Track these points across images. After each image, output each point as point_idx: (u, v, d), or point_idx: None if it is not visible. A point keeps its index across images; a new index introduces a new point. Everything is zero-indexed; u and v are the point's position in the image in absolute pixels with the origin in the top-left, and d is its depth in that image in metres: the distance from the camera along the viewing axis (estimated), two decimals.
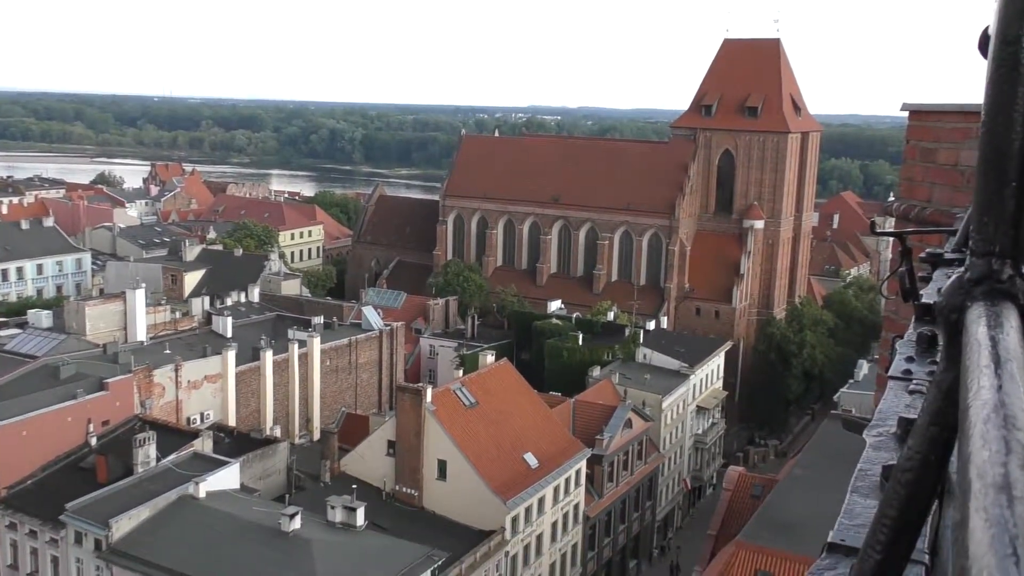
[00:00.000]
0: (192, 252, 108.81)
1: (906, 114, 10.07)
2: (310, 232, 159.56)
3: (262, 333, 74.71)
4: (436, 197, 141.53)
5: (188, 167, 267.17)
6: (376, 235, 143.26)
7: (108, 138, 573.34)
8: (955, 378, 1.41)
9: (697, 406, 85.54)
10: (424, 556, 45.67)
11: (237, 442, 57.60)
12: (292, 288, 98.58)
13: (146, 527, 45.37)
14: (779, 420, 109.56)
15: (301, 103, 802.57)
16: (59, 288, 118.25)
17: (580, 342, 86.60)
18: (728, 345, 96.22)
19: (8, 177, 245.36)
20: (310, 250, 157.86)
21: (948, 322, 1.55)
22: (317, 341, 73.15)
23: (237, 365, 67.14)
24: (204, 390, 65.32)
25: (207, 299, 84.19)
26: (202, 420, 64.05)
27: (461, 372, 71.61)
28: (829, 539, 1.75)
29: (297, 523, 44.29)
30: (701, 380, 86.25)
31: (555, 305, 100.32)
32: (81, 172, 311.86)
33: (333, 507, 47.35)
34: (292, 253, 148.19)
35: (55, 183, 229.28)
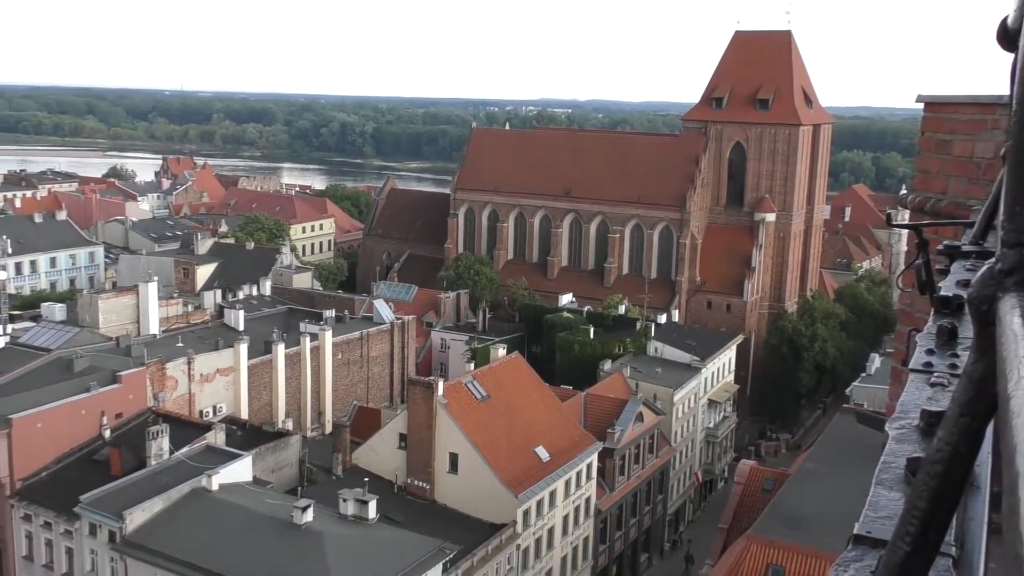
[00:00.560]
0: (204, 246, 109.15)
1: (920, 106, 10.03)
2: (321, 225, 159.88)
3: (274, 326, 74.92)
4: (447, 190, 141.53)
5: (200, 161, 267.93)
6: (387, 228, 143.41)
7: (120, 132, 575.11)
8: (986, 368, 1.41)
9: (708, 400, 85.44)
10: (436, 549, 45.81)
11: (249, 435, 57.84)
12: (304, 281, 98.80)
13: (160, 519, 45.63)
14: (790, 414, 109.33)
15: (312, 96, 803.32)
16: (72, 281, 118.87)
17: (591, 336, 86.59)
18: (739, 339, 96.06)
19: (21, 171, 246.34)
20: (321, 243, 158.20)
21: (979, 313, 1.55)
22: (329, 334, 73.32)
23: (249, 358, 67.41)
24: (216, 383, 65.60)
25: (219, 292, 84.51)
26: (214, 413, 64.35)
27: (472, 365, 71.76)
28: (855, 531, 1.74)
29: (309, 516, 44.45)
30: (712, 374, 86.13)
31: (566, 299, 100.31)
32: (93, 166, 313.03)
33: (345, 500, 47.51)
34: (303, 246, 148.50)
35: (68, 177, 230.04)
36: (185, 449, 50.94)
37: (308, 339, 71.95)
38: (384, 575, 42.16)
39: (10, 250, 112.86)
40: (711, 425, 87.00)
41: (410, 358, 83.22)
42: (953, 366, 2.28)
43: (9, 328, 66.15)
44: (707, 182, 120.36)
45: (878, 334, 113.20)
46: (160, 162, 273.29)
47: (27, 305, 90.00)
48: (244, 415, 65.32)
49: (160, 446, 50.28)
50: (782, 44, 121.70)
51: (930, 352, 2.42)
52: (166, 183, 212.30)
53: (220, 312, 77.81)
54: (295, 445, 57.46)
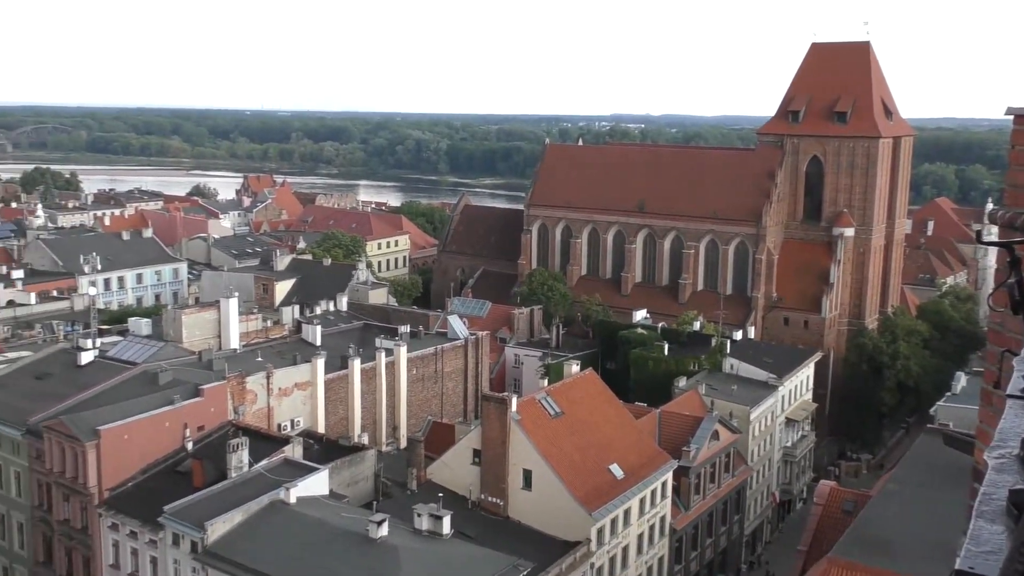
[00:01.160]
0: (283, 262, 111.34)
1: (1010, 118, 9.73)
2: (396, 242, 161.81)
3: (350, 342, 75.96)
4: (520, 206, 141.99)
5: (279, 179, 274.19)
6: (461, 244, 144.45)
7: (203, 151, 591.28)
8: None
9: (786, 418, 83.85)
10: (509, 566, 45.72)
11: (326, 449, 58.62)
12: (379, 297, 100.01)
13: (239, 530, 46.49)
14: (872, 433, 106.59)
15: (387, 114, 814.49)
16: (157, 297, 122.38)
17: (666, 352, 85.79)
18: (818, 356, 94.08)
19: (110, 190, 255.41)
20: (397, 260, 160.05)
21: None
22: (404, 350, 74.04)
23: (326, 373, 68.40)
24: (294, 397, 66.71)
25: (297, 308, 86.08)
26: (292, 427, 65.42)
27: (546, 381, 71.65)
28: (957, 566, 1.66)
29: (384, 530, 44.80)
30: (790, 391, 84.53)
31: (640, 314, 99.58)
32: (178, 184, 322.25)
33: (419, 515, 47.78)
34: (379, 262, 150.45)
35: (154, 195, 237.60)
36: (264, 462, 51.85)
37: (383, 354, 72.72)
38: None
39: (100, 267, 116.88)
40: (789, 444, 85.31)
41: (484, 374, 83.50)
42: None
43: (98, 342, 68.23)
44: (783, 197, 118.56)
45: (963, 352, 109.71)
46: (241, 180, 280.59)
47: (115, 320, 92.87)
48: (321, 429, 66.26)
49: (240, 459, 51.26)
50: (860, 55, 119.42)
51: None
52: (246, 201, 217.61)
53: (298, 327, 79.21)
54: (370, 459, 58.03)
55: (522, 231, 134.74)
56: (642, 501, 59.33)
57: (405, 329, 79.51)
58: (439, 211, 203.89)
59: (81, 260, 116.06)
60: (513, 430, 55.48)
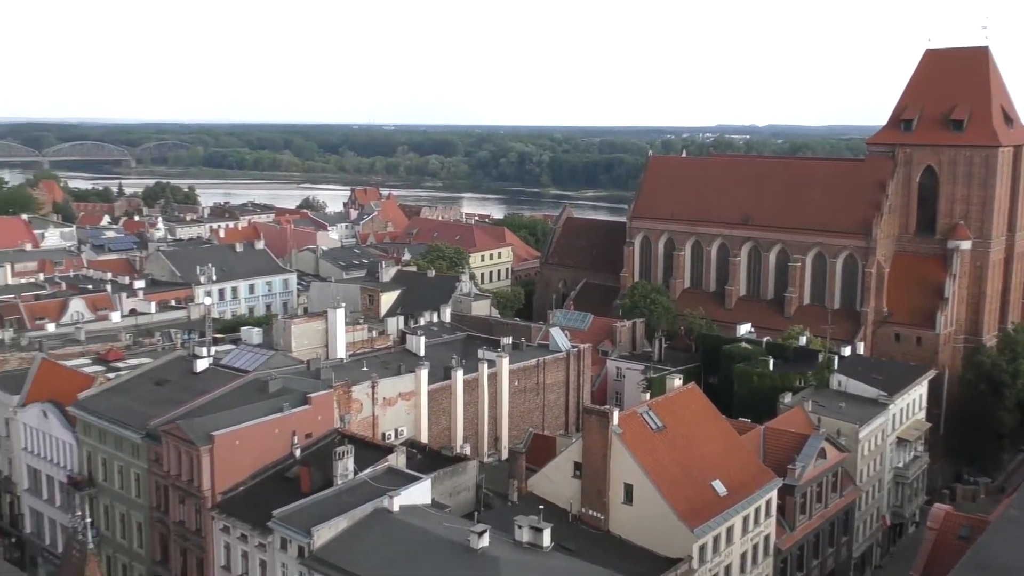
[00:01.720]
0: (388, 273, 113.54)
1: None
2: (499, 254, 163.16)
3: (453, 353, 76.93)
4: (623, 218, 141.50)
5: (385, 191, 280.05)
6: (563, 257, 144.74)
7: (313, 165, 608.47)
8: None
9: (897, 438, 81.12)
10: None
11: (428, 458, 59.46)
12: (482, 309, 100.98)
13: (344, 537, 47.53)
14: (990, 456, 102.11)
15: (491, 128, 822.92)
16: (268, 307, 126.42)
17: (771, 367, 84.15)
18: (931, 373, 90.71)
19: (225, 203, 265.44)
20: (499, 271, 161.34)
21: None
22: (506, 361, 74.58)
23: (429, 383, 69.41)
24: (398, 407, 67.90)
25: (402, 319, 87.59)
26: (396, 436, 66.58)
27: (648, 395, 71.14)
28: None
29: (485, 541, 45.17)
30: (901, 410, 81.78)
31: (744, 328, 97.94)
32: (288, 198, 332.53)
33: (520, 527, 47.99)
34: (482, 274, 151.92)
35: (265, 208, 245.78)
36: (368, 470, 52.90)
37: (486, 366, 73.39)
38: None
39: (215, 277, 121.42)
40: (900, 465, 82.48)
41: (585, 386, 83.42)
42: None
43: (212, 350, 70.82)
44: (894, 208, 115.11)
45: None
46: (348, 193, 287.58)
47: (228, 329, 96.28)
48: (424, 439, 67.25)
49: (345, 466, 52.44)
50: (978, 61, 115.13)
51: None
52: (354, 213, 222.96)
53: (402, 338, 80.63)
54: (472, 470, 58.59)
55: (624, 243, 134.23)
56: (745, 519, 58.23)
57: (507, 341, 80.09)
58: (541, 223, 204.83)
59: (197, 271, 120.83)
60: (614, 444, 55.25)
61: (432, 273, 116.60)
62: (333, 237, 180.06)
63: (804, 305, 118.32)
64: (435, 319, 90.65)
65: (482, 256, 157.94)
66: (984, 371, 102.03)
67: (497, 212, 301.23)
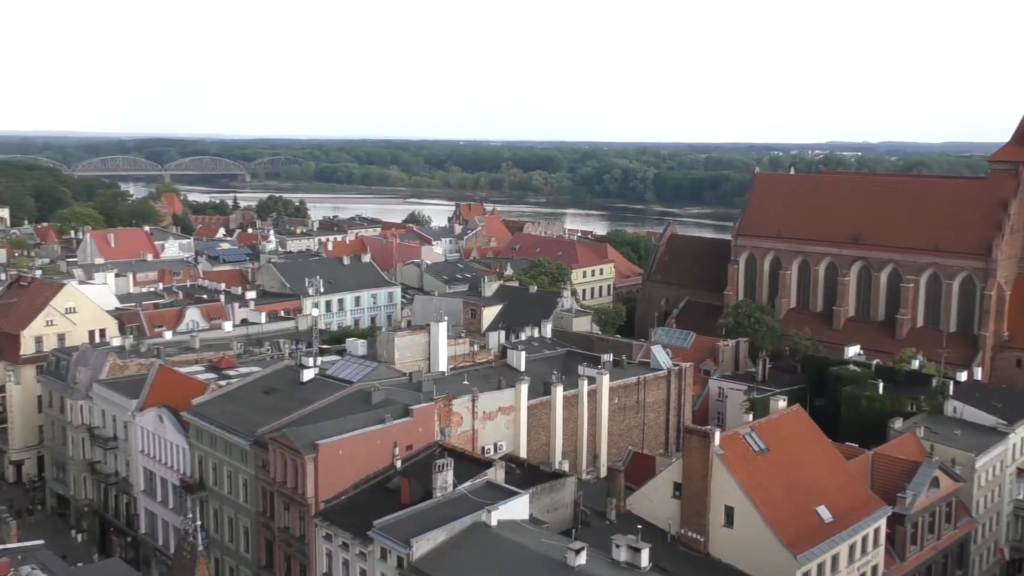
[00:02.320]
0: (490, 288, 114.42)
1: None
2: (601, 270, 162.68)
3: (553, 368, 76.97)
4: (728, 236, 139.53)
5: (488, 207, 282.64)
6: (666, 274, 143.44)
7: (419, 180, 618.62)
8: None
9: (1018, 468, 77.41)
10: None
11: (527, 474, 59.50)
12: (583, 325, 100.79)
13: (442, 549, 47.94)
14: None
15: (595, 144, 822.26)
16: (373, 319, 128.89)
17: (880, 391, 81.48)
18: None
19: (334, 217, 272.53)
20: (601, 288, 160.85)
21: None
22: (606, 378, 74.22)
23: (529, 399, 69.54)
24: (498, 421, 68.24)
25: (503, 333, 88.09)
26: (495, 450, 66.91)
27: (751, 416, 69.64)
28: None
29: (583, 559, 44.94)
30: (1022, 439, 78.03)
31: (853, 350, 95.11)
32: (395, 212, 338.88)
33: (618, 546, 47.56)
34: (584, 290, 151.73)
35: (372, 222, 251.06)
36: (467, 483, 53.27)
37: (586, 382, 73.17)
38: None
39: (322, 289, 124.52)
40: (1021, 497, 78.62)
41: (686, 406, 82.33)
42: None
43: (319, 360, 72.59)
44: (1017, 228, 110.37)
45: None
46: (453, 208, 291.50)
47: (334, 340, 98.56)
48: (523, 454, 67.36)
49: (445, 479, 52.93)
50: None
51: None
52: (458, 228, 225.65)
53: (503, 352, 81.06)
54: (570, 487, 58.39)
55: (729, 261, 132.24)
56: (852, 547, 56.36)
57: (608, 357, 79.72)
58: (645, 240, 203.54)
59: (306, 283, 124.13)
60: (716, 465, 54.29)
61: (534, 288, 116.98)
62: (437, 251, 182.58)
63: (916, 327, 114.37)
64: (536, 334, 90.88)
65: (584, 272, 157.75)
66: None
67: (600, 228, 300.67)
